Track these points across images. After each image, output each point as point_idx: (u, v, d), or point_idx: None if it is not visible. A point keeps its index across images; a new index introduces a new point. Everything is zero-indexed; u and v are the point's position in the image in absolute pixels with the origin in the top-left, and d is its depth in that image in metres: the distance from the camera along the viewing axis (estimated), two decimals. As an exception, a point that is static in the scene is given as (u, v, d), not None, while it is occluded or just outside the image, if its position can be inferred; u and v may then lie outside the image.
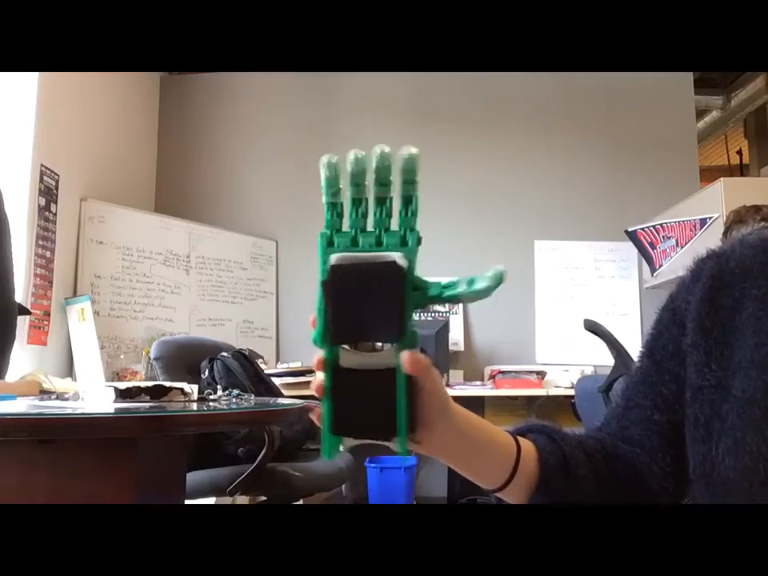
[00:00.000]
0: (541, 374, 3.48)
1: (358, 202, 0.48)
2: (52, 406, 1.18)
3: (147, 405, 1.23)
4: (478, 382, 3.59)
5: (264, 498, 2.16)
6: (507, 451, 0.53)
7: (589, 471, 0.55)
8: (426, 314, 3.67)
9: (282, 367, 3.60)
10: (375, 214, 0.48)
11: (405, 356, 0.45)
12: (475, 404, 3.57)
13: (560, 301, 4.01)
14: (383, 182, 0.47)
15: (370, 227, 0.48)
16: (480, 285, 0.46)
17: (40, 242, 2.97)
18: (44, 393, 2.01)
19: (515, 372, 3.52)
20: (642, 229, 3.76)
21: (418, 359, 0.45)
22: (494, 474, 0.53)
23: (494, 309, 3.92)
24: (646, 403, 0.59)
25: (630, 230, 3.80)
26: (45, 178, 3.01)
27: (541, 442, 0.56)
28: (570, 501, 0.52)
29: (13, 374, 2.37)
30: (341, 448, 0.47)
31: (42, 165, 2.99)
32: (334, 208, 0.48)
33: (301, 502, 2.21)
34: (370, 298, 0.46)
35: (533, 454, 0.55)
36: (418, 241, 0.47)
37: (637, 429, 0.59)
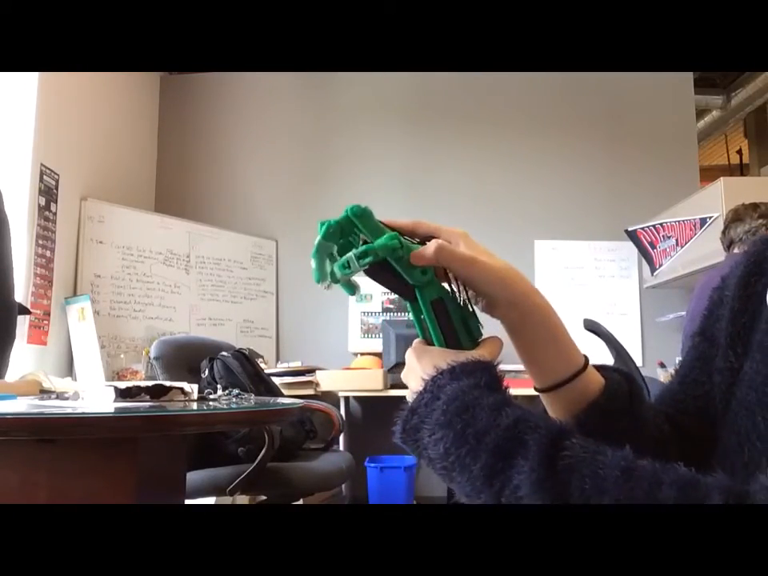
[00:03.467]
0: (541, 374, 3.47)
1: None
2: (52, 406, 1.18)
3: (147, 404, 1.23)
4: (478, 382, 3.59)
5: (264, 498, 2.16)
6: (576, 352, 0.55)
7: (650, 414, 0.57)
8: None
9: (282, 367, 3.60)
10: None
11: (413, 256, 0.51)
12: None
13: (560, 300, 4.01)
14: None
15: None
16: (368, 259, 0.50)
17: (40, 242, 2.97)
18: (44, 392, 2.01)
19: (515, 372, 3.51)
20: (642, 228, 3.76)
21: (419, 254, 0.50)
22: (557, 365, 0.54)
23: (494, 308, 3.92)
24: (702, 378, 0.59)
25: (630, 229, 3.80)
26: (45, 177, 3.01)
27: (614, 375, 0.58)
28: (619, 433, 0.52)
29: (13, 374, 2.37)
30: None
31: (41, 165, 2.99)
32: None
33: (301, 501, 2.21)
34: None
35: (598, 378, 0.56)
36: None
37: (696, 401, 0.59)
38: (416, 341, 0.55)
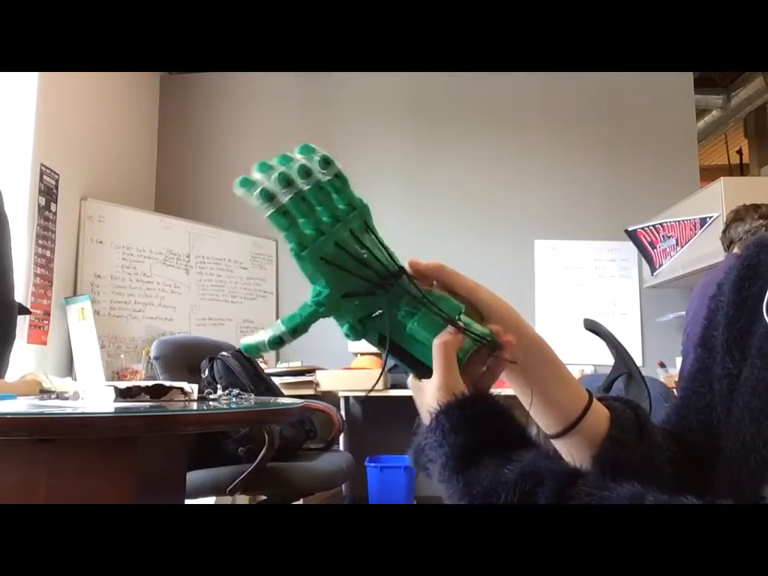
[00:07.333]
0: (541, 374, 3.48)
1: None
2: (52, 406, 1.18)
3: (147, 404, 1.23)
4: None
5: (264, 498, 2.16)
6: (579, 385, 0.55)
7: (659, 436, 0.56)
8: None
9: (281, 366, 3.60)
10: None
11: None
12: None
13: (560, 300, 4.01)
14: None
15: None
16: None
17: (40, 242, 2.97)
18: (44, 392, 2.01)
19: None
20: (642, 228, 3.76)
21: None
22: (569, 401, 0.54)
23: (494, 308, 3.92)
24: (703, 390, 0.58)
25: (630, 229, 3.80)
26: (45, 177, 3.01)
27: (615, 404, 0.57)
28: (636, 461, 0.52)
29: (13, 374, 2.37)
30: None
31: (41, 164, 2.99)
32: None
33: (301, 501, 2.21)
34: None
35: (603, 410, 0.55)
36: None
37: (699, 415, 0.58)
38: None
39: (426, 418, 0.49)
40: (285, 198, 0.47)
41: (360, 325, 0.50)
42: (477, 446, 0.45)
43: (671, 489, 0.40)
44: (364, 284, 0.49)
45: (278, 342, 0.49)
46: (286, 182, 0.47)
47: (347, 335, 0.51)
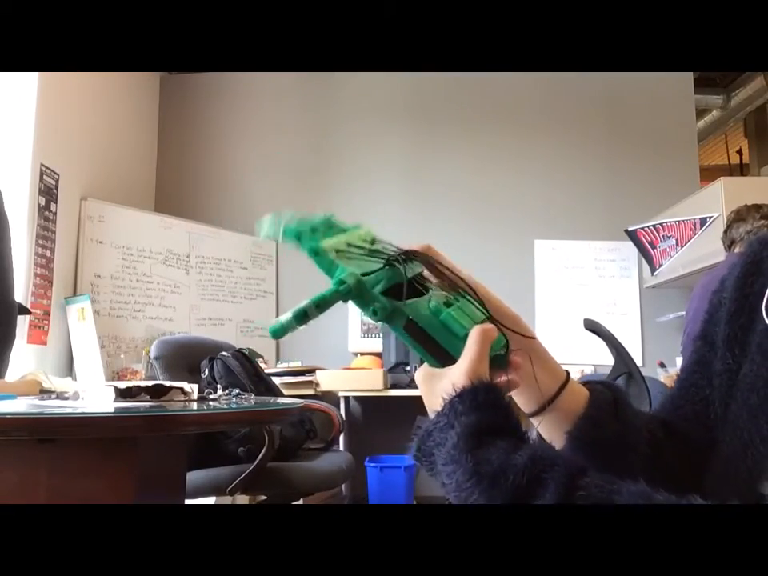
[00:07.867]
0: (541, 374, 3.48)
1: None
2: (52, 406, 1.18)
3: (147, 404, 1.23)
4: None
5: (264, 498, 2.16)
6: (557, 365, 0.57)
7: (639, 419, 0.57)
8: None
9: (281, 367, 3.60)
10: None
11: None
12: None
13: (560, 300, 4.01)
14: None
15: None
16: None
17: (40, 242, 2.97)
18: (44, 392, 2.01)
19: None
20: (642, 228, 3.76)
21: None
22: (545, 379, 0.56)
23: (494, 308, 3.92)
24: (702, 382, 0.59)
25: (630, 229, 3.80)
26: (45, 177, 3.01)
27: (596, 386, 0.59)
28: (608, 439, 0.53)
29: (13, 374, 2.37)
30: None
31: (41, 164, 2.99)
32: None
33: (301, 501, 2.21)
34: None
35: (583, 390, 0.57)
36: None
37: (695, 406, 0.59)
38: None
39: (437, 404, 0.48)
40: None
41: (387, 302, 0.51)
42: (488, 429, 0.45)
43: (648, 470, 0.41)
44: (381, 262, 0.52)
45: (303, 316, 0.49)
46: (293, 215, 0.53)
47: (374, 313, 0.50)
